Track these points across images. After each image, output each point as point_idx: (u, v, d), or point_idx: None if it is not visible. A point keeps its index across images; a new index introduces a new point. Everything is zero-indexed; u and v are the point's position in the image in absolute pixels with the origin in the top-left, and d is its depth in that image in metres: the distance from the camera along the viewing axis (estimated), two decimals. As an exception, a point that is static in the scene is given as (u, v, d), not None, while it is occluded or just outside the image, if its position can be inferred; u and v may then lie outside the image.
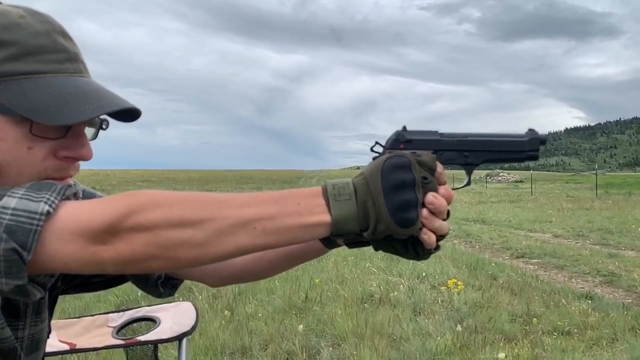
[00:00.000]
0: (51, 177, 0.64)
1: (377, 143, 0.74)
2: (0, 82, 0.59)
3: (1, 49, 0.60)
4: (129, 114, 0.69)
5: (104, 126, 0.72)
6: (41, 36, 0.62)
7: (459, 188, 0.76)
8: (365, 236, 0.60)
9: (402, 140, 0.73)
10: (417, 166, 0.61)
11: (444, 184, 0.64)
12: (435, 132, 0.75)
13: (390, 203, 0.58)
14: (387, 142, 0.73)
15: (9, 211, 0.50)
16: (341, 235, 0.60)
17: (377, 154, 0.72)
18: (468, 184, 0.79)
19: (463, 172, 0.78)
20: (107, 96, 0.65)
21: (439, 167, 0.64)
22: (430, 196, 0.61)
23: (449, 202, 0.63)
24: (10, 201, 0.51)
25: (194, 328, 1.51)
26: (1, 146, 0.60)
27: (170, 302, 1.62)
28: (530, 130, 0.77)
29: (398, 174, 0.59)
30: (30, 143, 0.61)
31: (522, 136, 0.76)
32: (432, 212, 0.61)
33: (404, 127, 0.74)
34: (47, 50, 0.62)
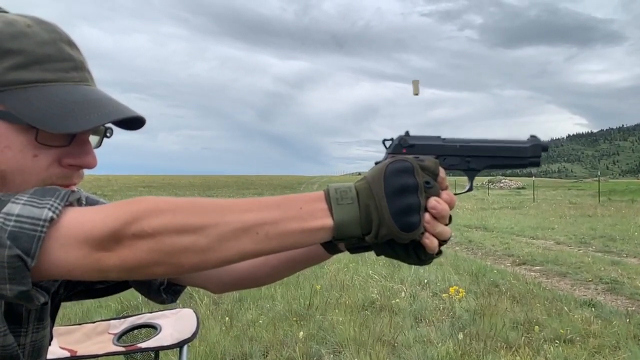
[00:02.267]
0: (55, 184, 0.64)
1: (385, 141, 0.74)
2: (6, 90, 0.60)
3: (8, 58, 0.60)
4: (133, 122, 0.69)
5: (108, 134, 0.73)
6: (47, 45, 0.63)
7: (460, 193, 0.76)
8: (368, 240, 0.60)
9: (404, 145, 0.73)
10: (420, 171, 0.61)
11: (446, 188, 0.64)
12: (438, 137, 0.75)
13: (393, 207, 0.58)
14: (389, 147, 0.74)
15: (13, 217, 0.50)
16: (343, 239, 0.60)
17: (383, 154, 0.73)
18: (470, 189, 0.80)
19: (464, 177, 0.78)
20: (112, 105, 0.65)
21: (442, 172, 0.64)
22: (433, 201, 0.61)
23: (451, 207, 0.63)
24: (14, 207, 0.51)
25: (194, 335, 1.51)
26: (7, 154, 0.61)
27: (171, 309, 1.62)
28: (533, 136, 0.77)
29: (401, 178, 0.59)
30: (35, 151, 0.62)
31: (524, 142, 0.76)
32: (435, 217, 0.61)
33: (407, 132, 0.74)
34: (54, 59, 0.63)
